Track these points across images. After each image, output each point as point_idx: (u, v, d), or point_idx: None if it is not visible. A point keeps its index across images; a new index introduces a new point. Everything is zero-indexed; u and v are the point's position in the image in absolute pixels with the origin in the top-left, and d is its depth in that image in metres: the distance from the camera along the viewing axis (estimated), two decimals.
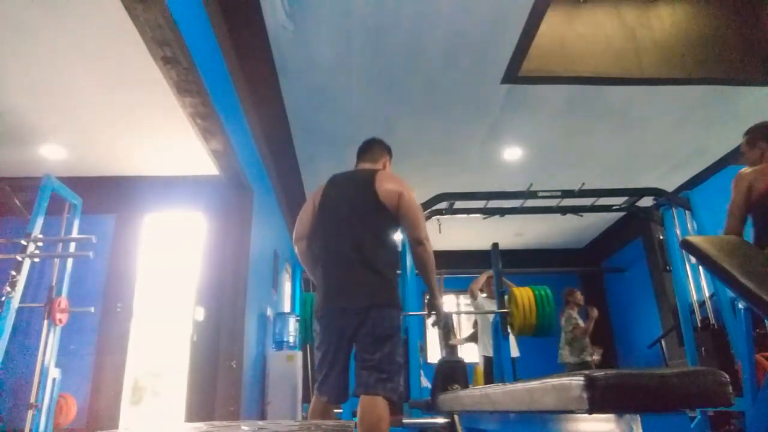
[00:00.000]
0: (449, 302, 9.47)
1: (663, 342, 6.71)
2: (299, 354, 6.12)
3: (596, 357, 7.12)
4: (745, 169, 2.81)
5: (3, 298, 3.51)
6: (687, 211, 4.47)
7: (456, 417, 2.28)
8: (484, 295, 5.90)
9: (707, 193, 6.06)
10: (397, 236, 2.45)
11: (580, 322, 5.66)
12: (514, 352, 5.47)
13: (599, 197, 5.00)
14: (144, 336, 5.25)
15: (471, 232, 7.94)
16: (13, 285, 3.55)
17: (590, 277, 9.77)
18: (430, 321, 2.40)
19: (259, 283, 5.79)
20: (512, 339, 5.22)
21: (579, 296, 5.88)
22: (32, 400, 3.78)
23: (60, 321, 4.08)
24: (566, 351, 5.66)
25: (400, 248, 2.40)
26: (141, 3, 2.66)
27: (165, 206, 5.60)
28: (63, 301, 4.13)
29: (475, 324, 6.90)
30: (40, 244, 3.88)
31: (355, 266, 2.21)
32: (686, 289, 4.29)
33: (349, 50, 4.24)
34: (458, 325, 9.31)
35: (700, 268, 4.06)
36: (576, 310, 5.80)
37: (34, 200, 3.92)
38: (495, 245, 5.23)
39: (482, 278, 5.83)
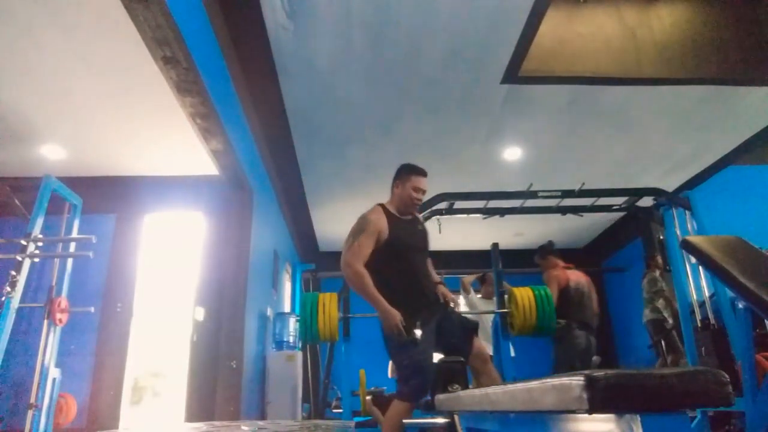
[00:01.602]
0: None
1: (663, 342, 6.71)
2: (299, 354, 6.12)
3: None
4: (554, 271, 4.41)
5: (3, 298, 3.51)
6: (687, 211, 4.47)
7: (456, 417, 2.27)
8: (479, 295, 5.88)
9: (707, 193, 6.06)
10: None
11: (664, 285, 5.86)
12: (510, 352, 5.46)
13: (599, 197, 4.99)
14: (144, 336, 5.25)
15: (471, 232, 7.94)
16: (13, 285, 3.55)
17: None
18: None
19: (259, 283, 5.80)
20: None
21: (659, 260, 6.02)
22: (32, 400, 3.77)
23: (60, 321, 4.07)
24: (647, 310, 5.99)
25: (388, 275, 2.52)
26: (141, 3, 2.66)
27: (165, 206, 5.60)
28: (63, 301, 4.13)
29: None
30: (40, 244, 3.87)
31: None
32: (686, 289, 4.28)
33: (349, 50, 4.23)
34: None
35: (700, 268, 4.05)
36: (658, 273, 5.99)
37: (34, 200, 3.91)
38: (495, 245, 5.21)
39: (473, 276, 5.78)
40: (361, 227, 2.50)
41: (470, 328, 2.59)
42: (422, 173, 2.68)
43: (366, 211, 2.64)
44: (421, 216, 2.85)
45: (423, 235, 2.70)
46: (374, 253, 2.48)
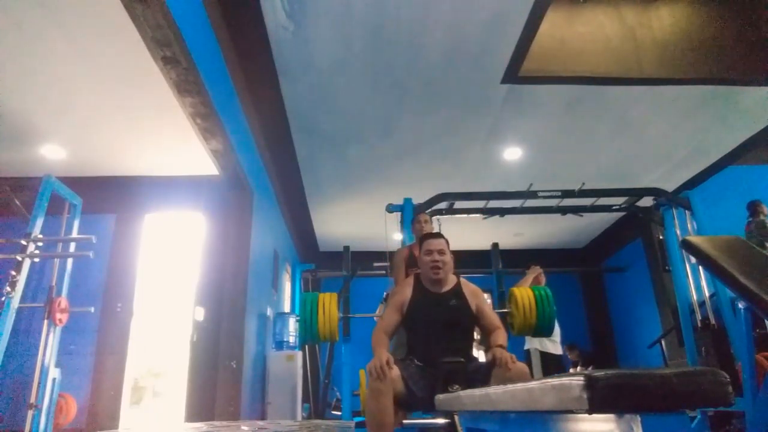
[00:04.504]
0: None
1: (663, 342, 6.71)
2: (299, 354, 6.12)
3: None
4: None
5: (3, 298, 3.51)
6: (687, 211, 4.47)
7: (456, 417, 2.27)
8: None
9: (707, 193, 6.06)
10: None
11: None
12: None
13: (599, 197, 4.99)
14: (144, 336, 5.25)
15: (471, 232, 7.94)
16: (13, 285, 3.55)
17: (590, 277, 9.76)
18: None
19: (259, 283, 5.79)
20: None
21: (765, 208, 5.86)
22: (32, 400, 3.77)
23: (60, 321, 4.07)
24: None
25: (405, 339, 2.82)
26: (141, 3, 2.66)
27: (165, 206, 5.60)
28: (63, 301, 4.13)
29: None
30: (40, 244, 3.87)
31: None
32: (686, 289, 4.28)
33: (349, 50, 4.23)
34: None
35: (700, 268, 4.05)
36: (762, 218, 5.64)
37: (34, 200, 3.91)
38: (495, 245, 5.22)
39: (529, 278, 5.55)
40: (391, 298, 2.74)
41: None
42: (434, 236, 2.73)
43: (402, 282, 2.82)
44: (468, 289, 2.64)
45: (453, 312, 2.57)
46: (403, 321, 2.65)
